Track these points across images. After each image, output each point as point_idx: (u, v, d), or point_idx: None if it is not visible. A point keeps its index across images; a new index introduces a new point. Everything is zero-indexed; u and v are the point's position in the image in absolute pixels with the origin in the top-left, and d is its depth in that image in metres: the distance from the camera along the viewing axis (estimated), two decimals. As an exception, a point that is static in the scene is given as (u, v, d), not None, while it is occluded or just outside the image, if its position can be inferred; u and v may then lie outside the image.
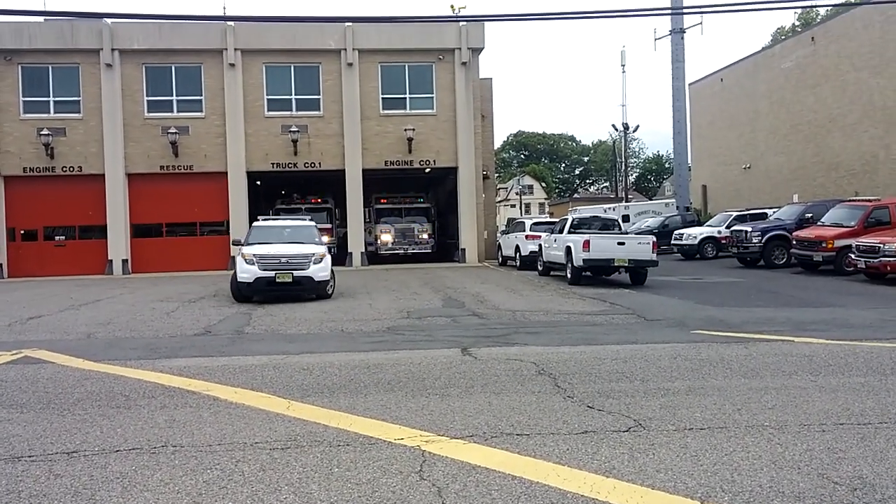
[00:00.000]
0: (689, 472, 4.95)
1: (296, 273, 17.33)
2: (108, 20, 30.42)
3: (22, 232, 31.66)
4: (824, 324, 12.15)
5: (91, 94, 31.28)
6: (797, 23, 66.31)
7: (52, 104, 31.39)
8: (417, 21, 31.15)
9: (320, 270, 17.72)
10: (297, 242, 18.48)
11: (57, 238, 31.81)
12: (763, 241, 25.19)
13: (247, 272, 17.35)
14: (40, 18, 30.43)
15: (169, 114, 31.80)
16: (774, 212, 29.18)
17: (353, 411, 6.73)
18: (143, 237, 32.16)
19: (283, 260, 17.43)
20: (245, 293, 17.61)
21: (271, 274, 17.22)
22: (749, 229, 26.00)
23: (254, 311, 15.67)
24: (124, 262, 31.25)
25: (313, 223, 20.55)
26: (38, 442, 5.95)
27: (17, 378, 8.66)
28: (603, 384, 7.69)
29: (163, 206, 31.97)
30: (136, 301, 18.48)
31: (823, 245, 21.73)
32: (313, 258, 17.66)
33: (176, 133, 31.01)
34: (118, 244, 31.21)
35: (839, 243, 21.32)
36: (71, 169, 31.27)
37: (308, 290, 17.81)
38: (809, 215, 24.99)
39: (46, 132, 30.34)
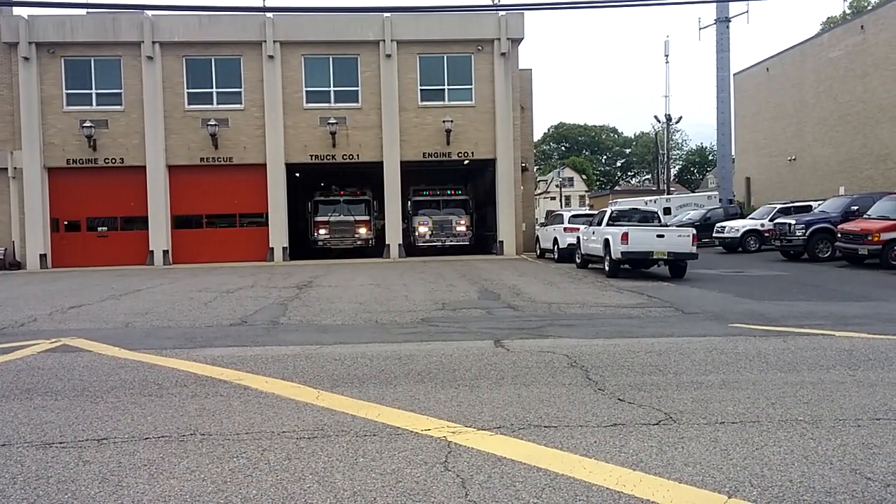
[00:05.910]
0: (717, 466, 4.84)
1: None
2: (149, 13, 30.86)
3: (65, 223, 32.33)
4: (867, 318, 11.83)
5: (132, 87, 31.77)
6: (847, 11, 64.85)
7: (94, 97, 31.96)
8: (456, 11, 31.04)
9: None
10: None
11: (99, 229, 32.46)
12: (807, 234, 24.67)
13: None
14: (82, 11, 30.96)
15: (209, 106, 32.18)
16: (819, 204, 28.56)
17: (382, 402, 6.72)
18: (183, 228, 32.65)
19: None
20: None
21: None
22: (793, 222, 25.47)
23: (290, 302, 15.77)
24: (165, 252, 31.76)
25: None
26: (70, 429, 6.03)
27: (54, 366, 8.81)
28: (635, 377, 7.57)
29: (203, 197, 32.43)
30: (175, 291, 18.73)
31: (869, 238, 21.19)
32: None
33: (216, 125, 31.35)
34: (159, 235, 31.72)
35: (886, 236, 20.78)
36: (113, 161, 31.84)
37: None
38: (856, 208, 24.40)
39: (89, 124, 30.90)
